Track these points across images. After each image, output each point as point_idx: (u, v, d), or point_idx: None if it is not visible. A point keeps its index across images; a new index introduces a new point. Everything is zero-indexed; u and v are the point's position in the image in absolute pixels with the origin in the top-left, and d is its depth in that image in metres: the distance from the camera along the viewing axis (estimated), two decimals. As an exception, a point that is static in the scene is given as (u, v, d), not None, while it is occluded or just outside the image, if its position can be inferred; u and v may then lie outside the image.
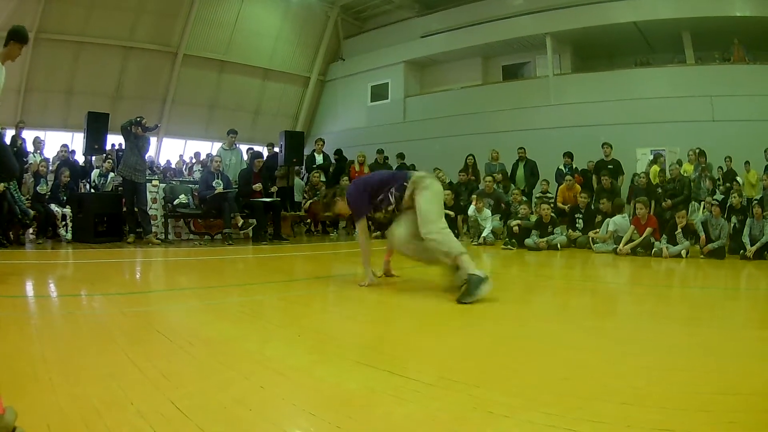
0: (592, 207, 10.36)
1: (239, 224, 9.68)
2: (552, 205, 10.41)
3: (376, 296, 4.42)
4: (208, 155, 14.85)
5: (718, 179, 10.88)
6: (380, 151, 13.76)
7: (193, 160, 16.09)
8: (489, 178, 11.35)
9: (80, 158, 12.16)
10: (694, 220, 9.02)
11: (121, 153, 10.78)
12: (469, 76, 18.53)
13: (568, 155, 12.53)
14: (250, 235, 10.18)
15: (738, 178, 10.75)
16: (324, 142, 13.79)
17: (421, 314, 3.78)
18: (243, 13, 19.12)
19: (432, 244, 4.28)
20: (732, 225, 8.81)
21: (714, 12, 13.33)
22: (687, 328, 3.36)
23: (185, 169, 15.83)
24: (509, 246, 9.49)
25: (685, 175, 10.94)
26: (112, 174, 10.84)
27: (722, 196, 9.98)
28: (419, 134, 17.61)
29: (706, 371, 2.35)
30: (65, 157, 11.05)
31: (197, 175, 13.10)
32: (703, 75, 13.94)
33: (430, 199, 4.43)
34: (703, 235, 8.57)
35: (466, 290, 3.97)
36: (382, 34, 20.37)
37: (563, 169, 12.47)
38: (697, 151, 11.30)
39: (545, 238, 9.42)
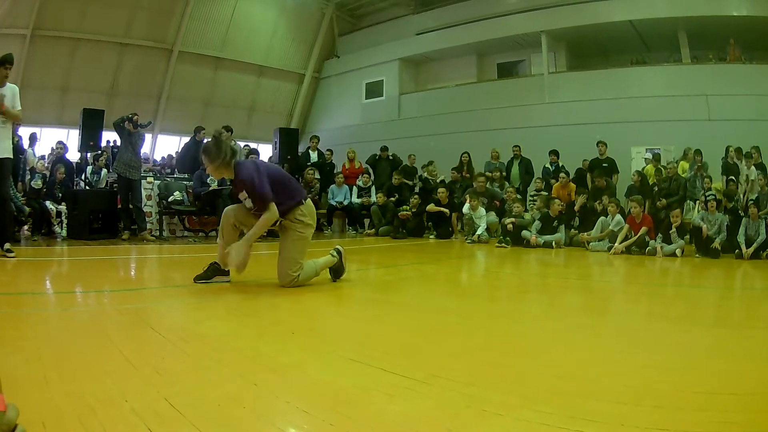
0: (587, 206, 10.38)
1: (233, 221, 9.66)
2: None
3: (369, 294, 4.42)
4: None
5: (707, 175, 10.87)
6: (384, 149, 13.73)
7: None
8: (482, 179, 11.33)
9: (74, 155, 12.12)
10: (691, 219, 9.03)
11: (116, 150, 10.76)
12: (464, 73, 18.52)
13: (554, 153, 12.63)
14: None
15: (747, 172, 10.64)
16: (319, 140, 13.80)
17: (414, 312, 3.78)
18: (238, 10, 19.08)
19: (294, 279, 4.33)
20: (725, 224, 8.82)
21: (710, 11, 13.35)
22: (682, 327, 3.36)
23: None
24: (503, 244, 9.50)
25: (682, 175, 10.97)
26: (104, 171, 10.81)
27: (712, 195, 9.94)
28: (414, 131, 17.57)
29: (702, 370, 2.36)
30: (61, 154, 11.02)
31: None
32: (698, 74, 13.96)
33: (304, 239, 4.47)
34: (704, 226, 8.54)
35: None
36: (377, 32, 20.36)
37: (549, 167, 12.55)
38: (693, 150, 11.34)
39: (545, 236, 9.44)
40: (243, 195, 4.35)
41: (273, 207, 4.24)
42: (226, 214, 4.53)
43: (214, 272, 4.50)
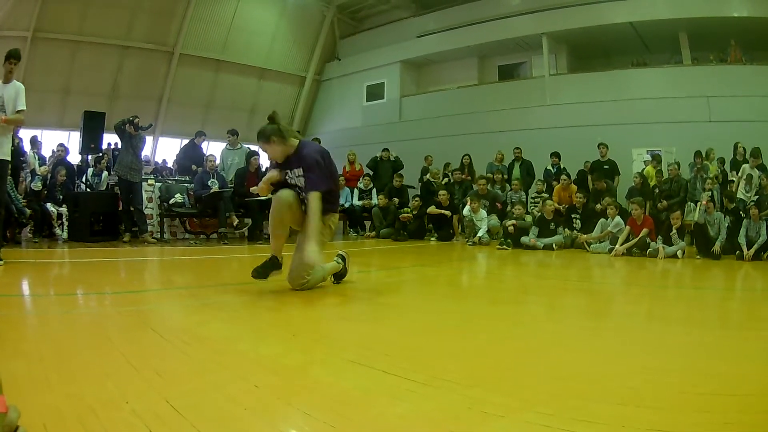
0: (588, 207, 10.37)
1: (234, 223, 9.68)
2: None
3: (370, 295, 4.42)
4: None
5: (717, 175, 10.88)
6: (385, 150, 13.70)
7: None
8: (482, 181, 11.33)
9: (75, 157, 12.14)
10: (692, 221, 9.02)
11: (117, 152, 10.78)
12: (465, 76, 18.53)
13: (556, 155, 12.67)
14: (246, 234, 10.17)
15: (750, 171, 10.59)
16: (320, 142, 13.77)
17: (415, 314, 3.78)
18: (239, 13, 19.10)
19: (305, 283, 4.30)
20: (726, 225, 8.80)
21: (711, 13, 13.35)
22: (683, 329, 3.36)
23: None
24: (504, 246, 9.49)
25: (683, 177, 10.97)
26: (105, 173, 10.82)
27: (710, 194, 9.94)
28: (415, 134, 17.57)
29: (703, 372, 2.35)
30: (62, 157, 11.03)
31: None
32: (699, 75, 13.96)
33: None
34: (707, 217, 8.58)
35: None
36: (378, 34, 20.36)
37: (551, 169, 12.56)
38: (694, 152, 11.33)
39: (544, 238, 9.43)
40: (298, 171, 4.22)
41: (317, 197, 4.12)
42: (286, 199, 4.26)
43: (271, 267, 4.39)
